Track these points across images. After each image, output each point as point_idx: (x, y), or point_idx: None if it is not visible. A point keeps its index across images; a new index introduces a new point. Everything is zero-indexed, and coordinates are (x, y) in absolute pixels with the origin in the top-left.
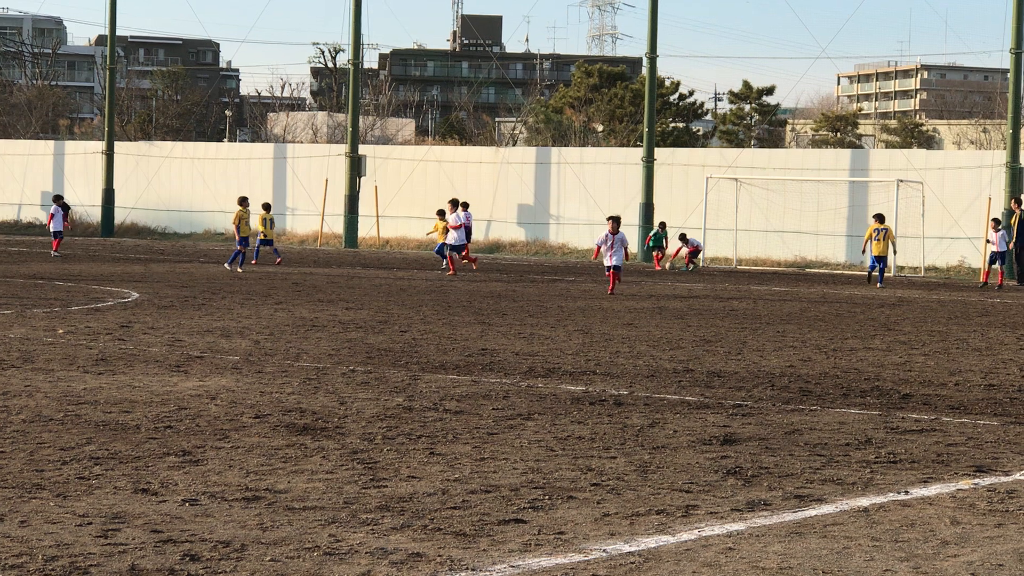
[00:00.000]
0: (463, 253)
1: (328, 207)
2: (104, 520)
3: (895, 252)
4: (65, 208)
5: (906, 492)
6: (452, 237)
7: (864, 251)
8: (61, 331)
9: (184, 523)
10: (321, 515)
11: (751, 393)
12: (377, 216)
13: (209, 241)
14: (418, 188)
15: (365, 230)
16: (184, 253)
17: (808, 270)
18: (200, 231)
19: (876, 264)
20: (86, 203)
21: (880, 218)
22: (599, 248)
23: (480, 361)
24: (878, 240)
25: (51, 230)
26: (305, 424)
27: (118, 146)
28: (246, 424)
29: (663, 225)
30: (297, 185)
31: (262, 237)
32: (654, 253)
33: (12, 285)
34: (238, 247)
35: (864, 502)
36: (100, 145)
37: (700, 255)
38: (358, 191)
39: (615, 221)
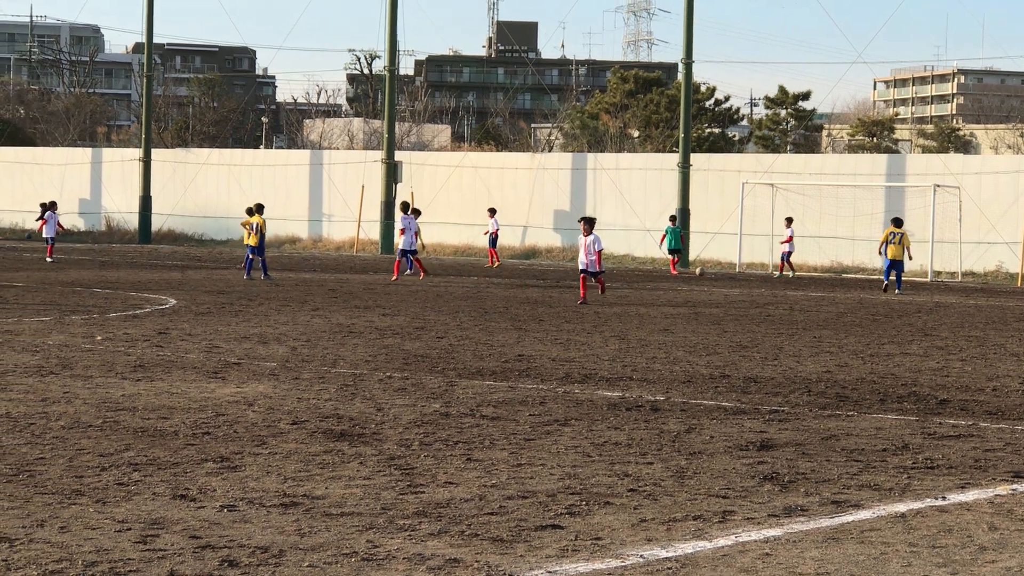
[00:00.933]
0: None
1: (364, 213)
2: (143, 526)
3: (910, 258)
4: (43, 209)
5: (943, 498)
6: (404, 241)
7: (880, 252)
8: (99, 338)
9: (222, 529)
10: (358, 521)
11: (788, 399)
12: None
13: (246, 248)
14: (454, 194)
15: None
16: (221, 260)
17: (844, 275)
18: (236, 238)
19: (892, 268)
20: (123, 210)
21: (897, 222)
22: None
23: (517, 367)
24: (894, 244)
25: (44, 236)
26: (342, 430)
27: (155, 153)
28: (283, 430)
29: (674, 219)
30: (333, 192)
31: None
32: (671, 256)
33: (51, 292)
34: (249, 256)
35: (901, 508)
36: (137, 152)
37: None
38: (394, 197)
39: (587, 222)
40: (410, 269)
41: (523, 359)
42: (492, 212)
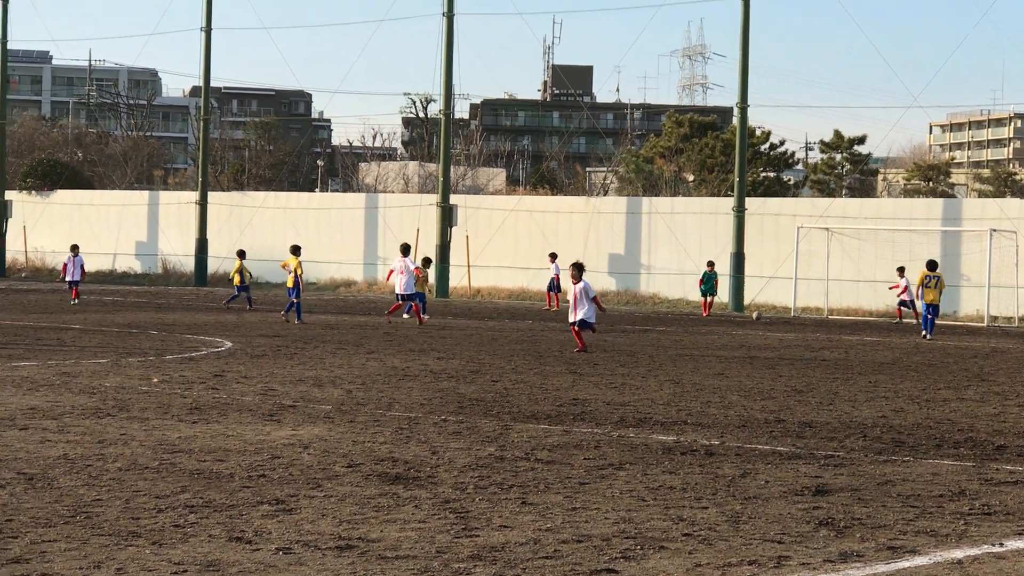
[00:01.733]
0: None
1: (419, 257)
2: (199, 568)
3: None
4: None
5: (1001, 544)
6: (403, 284)
7: (917, 297)
8: (156, 380)
9: (278, 571)
10: (414, 564)
11: (843, 444)
12: (468, 266)
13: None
14: (509, 238)
15: (456, 280)
16: (276, 303)
17: (900, 320)
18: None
19: (927, 313)
20: (179, 252)
21: (932, 265)
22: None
23: (572, 411)
24: (930, 287)
25: (67, 280)
26: (397, 473)
27: (211, 196)
28: (339, 473)
29: (711, 264)
30: (388, 235)
31: (239, 283)
32: (705, 299)
33: (107, 334)
34: (237, 292)
35: (958, 554)
36: (194, 195)
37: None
38: (449, 241)
39: (576, 268)
40: (407, 314)
41: (578, 403)
42: (553, 257)
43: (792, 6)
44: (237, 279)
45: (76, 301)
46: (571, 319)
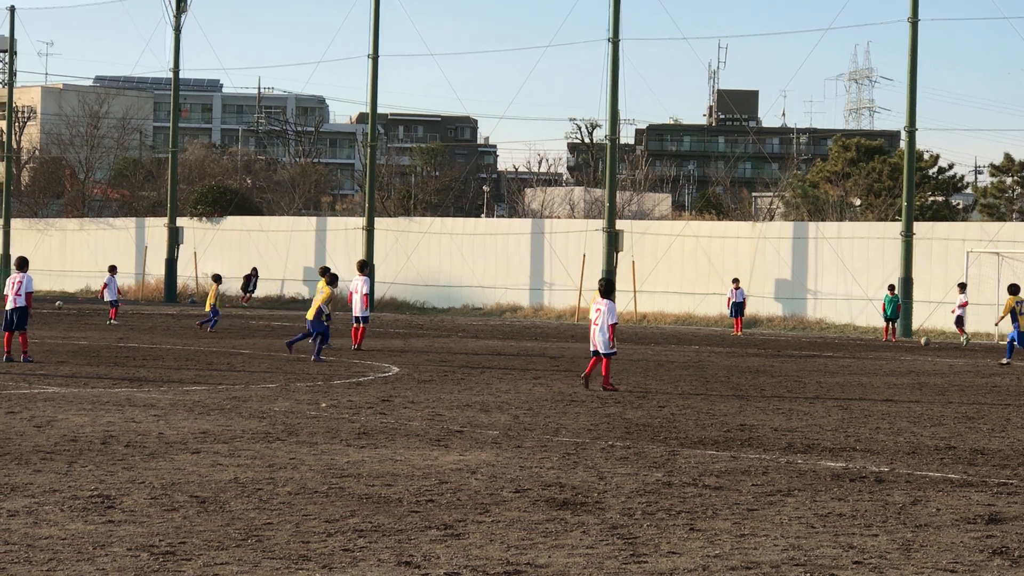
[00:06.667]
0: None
1: (585, 282)
2: None
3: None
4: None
5: None
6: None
7: (997, 324)
8: (324, 405)
9: None
10: None
11: (1016, 471)
12: (635, 291)
13: (468, 316)
14: (675, 263)
15: (622, 305)
16: (443, 328)
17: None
18: (459, 306)
19: (1014, 339)
20: (347, 277)
21: (1015, 289)
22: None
23: (739, 436)
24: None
25: (106, 299)
26: (565, 499)
27: (378, 222)
28: (506, 498)
29: (892, 288)
30: (555, 260)
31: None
32: (888, 324)
33: (276, 359)
34: (211, 316)
35: None
36: (361, 221)
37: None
38: (616, 266)
39: (605, 283)
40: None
41: (745, 428)
42: (736, 282)
43: (960, 28)
44: (210, 303)
45: (115, 321)
46: (593, 347)
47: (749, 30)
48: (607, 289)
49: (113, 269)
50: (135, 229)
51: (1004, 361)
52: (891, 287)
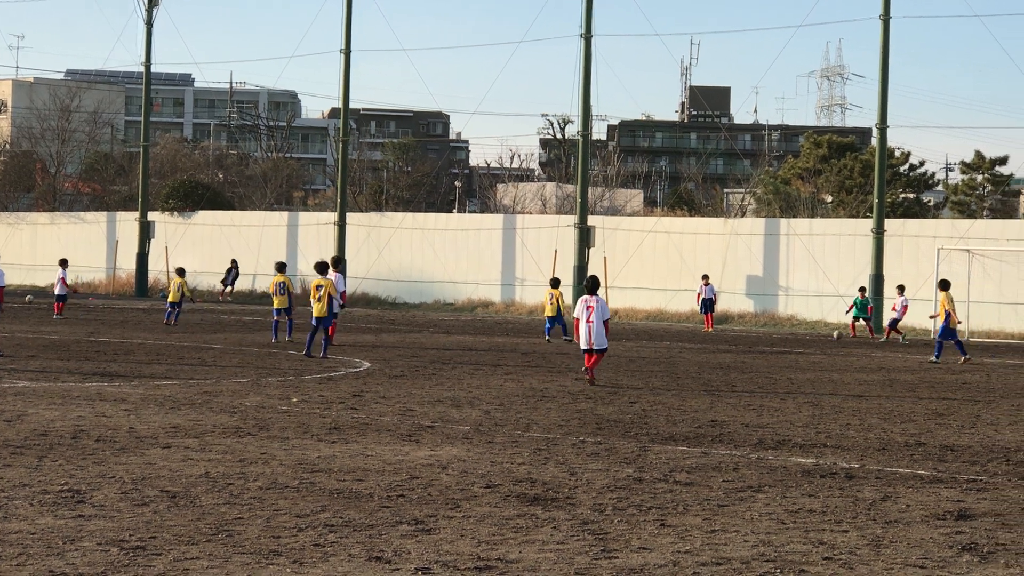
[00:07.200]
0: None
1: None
2: None
3: None
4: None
5: None
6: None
7: (933, 317)
8: (295, 400)
9: None
10: None
11: (986, 467)
12: (606, 287)
13: (439, 311)
14: (647, 259)
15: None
16: (414, 323)
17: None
18: (430, 301)
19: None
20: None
21: (947, 285)
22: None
23: (710, 433)
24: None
25: (56, 293)
26: (536, 494)
27: (350, 217)
28: (477, 494)
29: (863, 290)
30: (526, 256)
31: (175, 299)
32: (855, 322)
33: (247, 354)
34: (172, 308)
35: None
36: (332, 216)
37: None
38: (587, 262)
39: (591, 282)
40: (287, 334)
41: (716, 425)
42: (705, 278)
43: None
44: (176, 296)
45: (60, 316)
46: (585, 344)
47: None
48: (594, 286)
49: (64, 263)
50: (106, 223)
51: (933, 359)
52: (862, 289)
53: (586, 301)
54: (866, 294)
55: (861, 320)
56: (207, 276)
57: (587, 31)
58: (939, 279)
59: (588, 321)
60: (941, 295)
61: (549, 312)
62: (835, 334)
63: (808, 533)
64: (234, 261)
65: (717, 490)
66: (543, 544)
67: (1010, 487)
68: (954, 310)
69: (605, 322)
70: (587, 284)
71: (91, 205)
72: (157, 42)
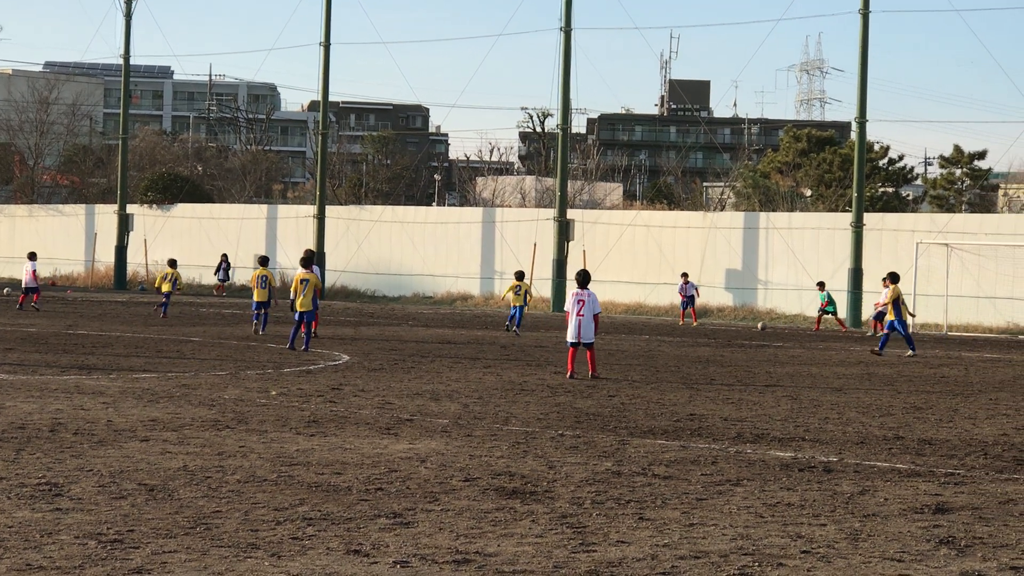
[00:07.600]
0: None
1: (536, 271)
2: None
3: None
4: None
5: None
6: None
7: (876, 306)
8: (274, 393)
9: None
10: None
11: (963, 461)
12: None
13: (418, 304)
14: (626, 253)
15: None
16: (393, 316)
17: (1021, 337)
18: (409, 294)
19: (893, 327)
20: (297, 266)
21: (897, 278)
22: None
23: (688, 426)
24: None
25: (24, 286)
26: (514, 488)
27: (329, 210)
28: (456, 487)
29: (822, 284)
30: (506, 249)
31: (169, 290)
32: (825, 316)
33: (226, 347)
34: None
35: None
36: (312, 209)
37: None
38: (566, 255)
39: (582, 275)
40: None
41: (695, 418)
42: (685, 276)
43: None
44: (168, 287)
45: (35, 306)
46: (572, 338)
47: (701, 20)
48: (586, 280)
49: (33, 256)
50: (85, 216)
51: (875, 349)
52: (821, 284)
53: (578, 295)
54: (825, 288)
55: (828, 314)
56: (186, 269)
57: (567, 24)
58: (889, 272)
59: (579, 315)
60: (891, 287)
61: (517, 302)
62: (759, 325)
63: (786, 527)
64: (225, 255)
65: (695, 484)
66: (522, 537)
67: (987, 481)
68: (904, 303)
69: (595, 316)
70: (579, 278)
71: (70, 198)
72: (136, 34)
